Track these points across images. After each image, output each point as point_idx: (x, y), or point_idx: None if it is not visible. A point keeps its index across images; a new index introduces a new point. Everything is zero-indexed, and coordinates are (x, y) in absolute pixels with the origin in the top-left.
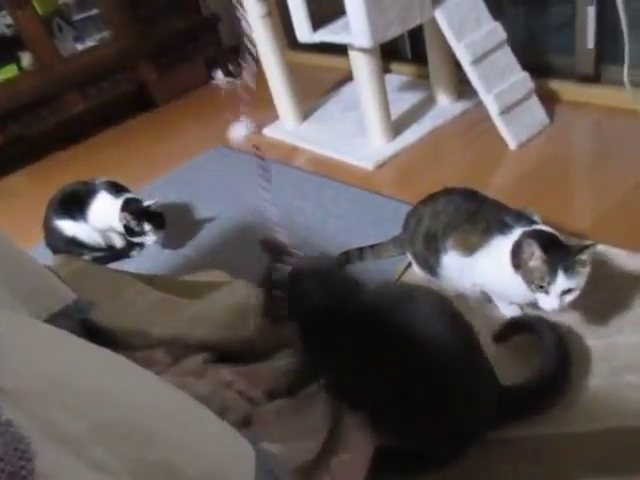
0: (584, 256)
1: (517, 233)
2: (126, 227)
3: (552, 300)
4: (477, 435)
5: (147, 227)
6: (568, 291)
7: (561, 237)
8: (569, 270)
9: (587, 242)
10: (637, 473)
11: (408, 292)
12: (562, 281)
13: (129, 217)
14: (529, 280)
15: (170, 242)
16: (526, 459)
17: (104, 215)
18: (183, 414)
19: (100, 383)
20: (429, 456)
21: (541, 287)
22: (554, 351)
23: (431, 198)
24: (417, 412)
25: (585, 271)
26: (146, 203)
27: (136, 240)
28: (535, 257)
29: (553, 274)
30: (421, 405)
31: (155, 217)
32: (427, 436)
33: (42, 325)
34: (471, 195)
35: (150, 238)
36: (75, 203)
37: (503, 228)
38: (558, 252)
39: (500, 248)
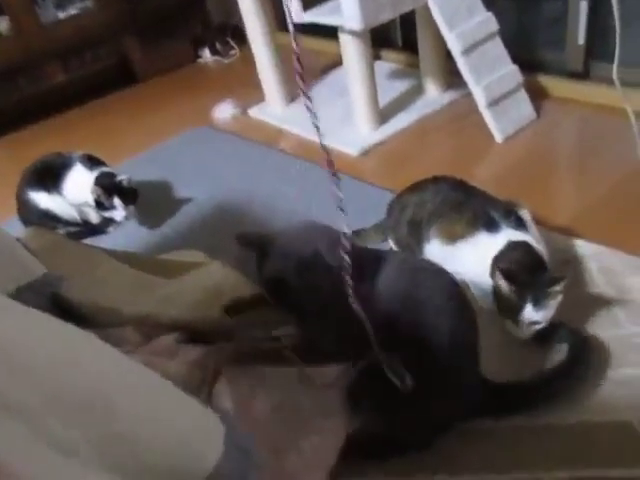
0: (557, 287)
1: (503, 237)
2: (97, 201)
3: (518, 329)
4: (451, 424)
5: (117, 202)
6: (535, 323)
7: (543, 236)
8: (538, 303)
9: (562, 272)
10: (603, 466)
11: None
12: (529, 314)
13: (99, 191)
14: (498, 305)
15: (148, 220)
16: (496, 450)
17: (79, 189)
18: (146, 387)
19: (56, 354)
20: (401, 442)
21: (508, 315)
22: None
23: (418, 186)
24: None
25: (555, 303)
26: (119, 178)
27: (106, 215)
28: (504, 286)
29: (521, 305)
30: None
31: (127, 192)
32: (400, 419)
33: None
34: (459, 185)
35: (119, 213)
36: (50, 175)
37: (489, 224)
38: (531, 281)
39: (484, 245)
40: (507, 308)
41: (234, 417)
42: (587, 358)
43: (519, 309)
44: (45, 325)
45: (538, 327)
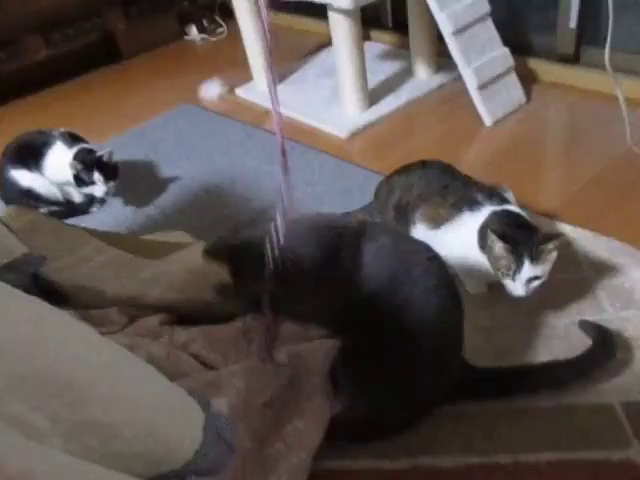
0: (550, 245)
1: (486, 212)
2: (76, 176)
3: (518, 287)
4: (433, 406)
5: (96, 177)
6: (534, 278)
7: (530, 217)
8: (535, 259)
9: (555, 231)
10: (581, 449)
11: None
12: (527, 270)
13: (79, 166)
14: (495, 267)
15: (132, 199)
16: (479, 433)
17: (59, 167)
18: (121, 372)
19: (24, 335)
20: (383, 424)
21: (507, 274)
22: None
23: (405, 169)
24: (373, 372)
25: (551, 258)
26: (99, 153)
27: (86, 191)
28: (499, 247)
29: (519, 263)
30: (380, 365)
31: (107, 168)
32: (382, 401)
33: None
34: (446, 169)
35: (100, 189)
36: (30, 153)
37: (473, 205)
38: (524, 239)
39: (468, 225)
40: (506, 268)
41: (228, 414)
42: (609, 354)
43: (518, 266)
44: (14, 304)
45: (538, 283)
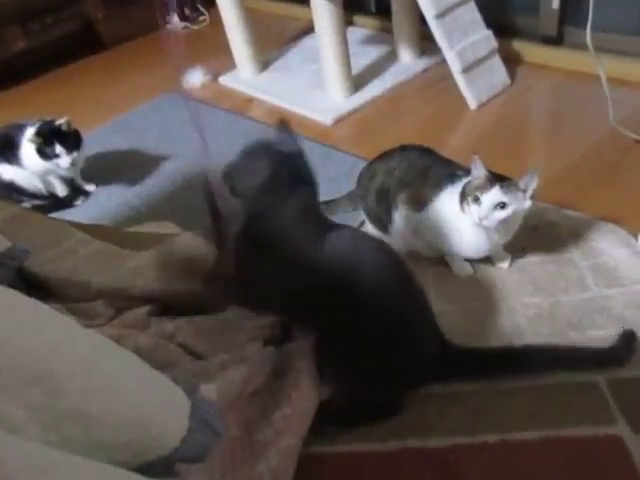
0: (521, 184)
1: (466, 180)
2: (39, 151)
3: (482, 210)
4: (413, 385)
5: (58, 148)
6: (501, 206)
7: None
8: (505, 186)
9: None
10: (568, 426)
11: (349, 235)
12: (496, 192)
13: (38, 139)
14: (468, 194)
15: (117, 191)
16: (466, 413)
17: (34, 155)
18: (101, 362)
19: None
20: (370, 409)
21: (476, 199)
22: None
23: (386, 154)
24: (353, 355)
25: (521, 197)
26: (57, 122)
27: (51, 165)
28: (479, 176)
29: (489, 186)
30: (357, 348)
31: (68, 137)
32: (362, 380)
33: None
34: (425, 152)
35: (64, 160)
36: (8, 146)
37: (453, 179)
38: (501, 177)
39: (450, 197)
40: (476, 189)
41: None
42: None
43: (487, 188)
44: None
45: (503, 215)
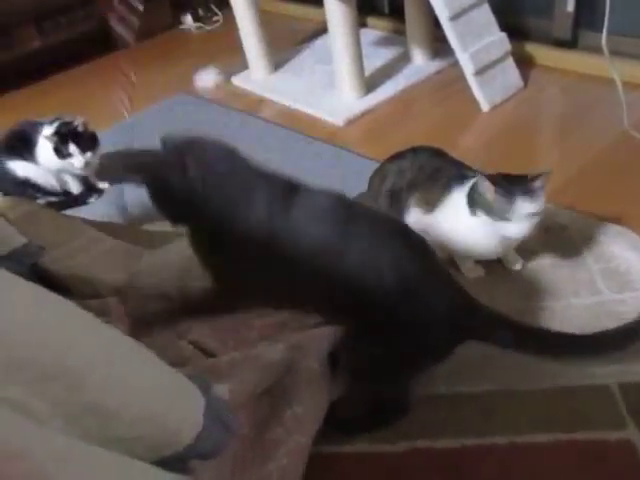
0: (537, 183)
1: (474, 180)
2: (55, 149)
3: (517, 227)
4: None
5: (72, 148)
6: (531, 215)
7: None
8: (527, 195)
9: (539, 172)
10: (578, 430)
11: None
12: (522, 206)
13: (54, 138)
14: (493, 214)
15: (130, 190)
16: (475, 415)
17: (49, 152)
18: (119, 356)
19: (18, 318)
20: (380, 410)
21: (505, 217)
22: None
23: (397, 156)
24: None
25: (542, 194)
26: (74, 123)
27: (65, 164)
28: (489, 190)
29: (513, 201)
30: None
31: (83, 139)
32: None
33: None
34: (436, 154)
35: (78, 160)
36: (24, 143)
37: (462, 179)
38: (513, 181)
39: (461, 198)
40: (501, 211)
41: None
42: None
43: (512, 205)
44: (11, 288)
45: (535, 220)
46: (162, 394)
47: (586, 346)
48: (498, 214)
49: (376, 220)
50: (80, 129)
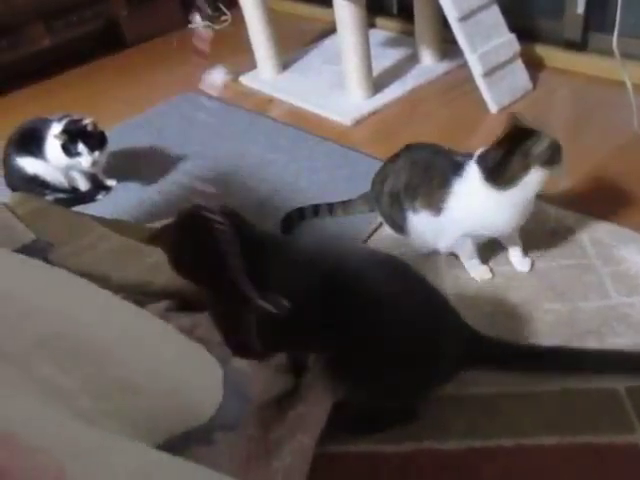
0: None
1: (471, 164)
2: (63, 147)
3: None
4: (437, 384)
5: (81, 147)
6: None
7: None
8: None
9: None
10: (585, 433)
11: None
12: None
13: (63, 136)
14: (506, 177)
15: (138, 187)
16: (482, 416)
17: (58, 149)
18: (143, 330)
19: (47, 297)
20: (385, 414)
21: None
22: None
23: (395, 155)
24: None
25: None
26: (83, 122)
27: (73, 161)
28: (497, 156)
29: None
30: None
31: (92, 138)
32: (382, 389)
33: None
34: (428, 147)
35: (85, 159)
36: (33, 139)
37: (457, 169)
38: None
39: (462, 187)
40: (515, 169)
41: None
42: None
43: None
44: (41, 271)
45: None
46: (186, 367)
47: (591, 363)
48: (513, 172)
49: (385, 262)
50: (90, 128)
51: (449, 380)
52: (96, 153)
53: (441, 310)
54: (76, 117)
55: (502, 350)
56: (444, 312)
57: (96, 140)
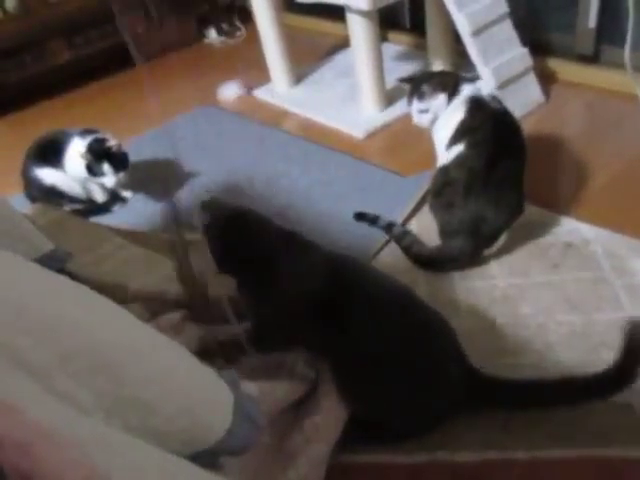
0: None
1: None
2: (88, 167)
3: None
4: (443, 415)
5: (106, 168)
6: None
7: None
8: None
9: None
10: (599, 447)
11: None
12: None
13: (89, 157)
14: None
15: (154, 198)
16: (496, 429)
17: (78, 163)
18: (158, 351)
19: (69, 313)
20: (396, 428)
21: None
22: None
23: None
24: (377, 386)
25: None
26: (109, 143)
27: (97, 181)
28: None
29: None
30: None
31: (116, 159)
32: (388, 410)
33: (8, 254)
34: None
35: (109, 180)
36: (53, 151)
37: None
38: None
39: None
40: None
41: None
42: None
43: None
44: (62, 286)
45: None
46: (196, 389)
47: (590, 391)
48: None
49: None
50: (115, 150)
51: (447, 412)
52: (120, 174)
53: (441, 340)
54: (100, 136)
55: (501, 388)
56: (444, 342)
57: (120, 161)
